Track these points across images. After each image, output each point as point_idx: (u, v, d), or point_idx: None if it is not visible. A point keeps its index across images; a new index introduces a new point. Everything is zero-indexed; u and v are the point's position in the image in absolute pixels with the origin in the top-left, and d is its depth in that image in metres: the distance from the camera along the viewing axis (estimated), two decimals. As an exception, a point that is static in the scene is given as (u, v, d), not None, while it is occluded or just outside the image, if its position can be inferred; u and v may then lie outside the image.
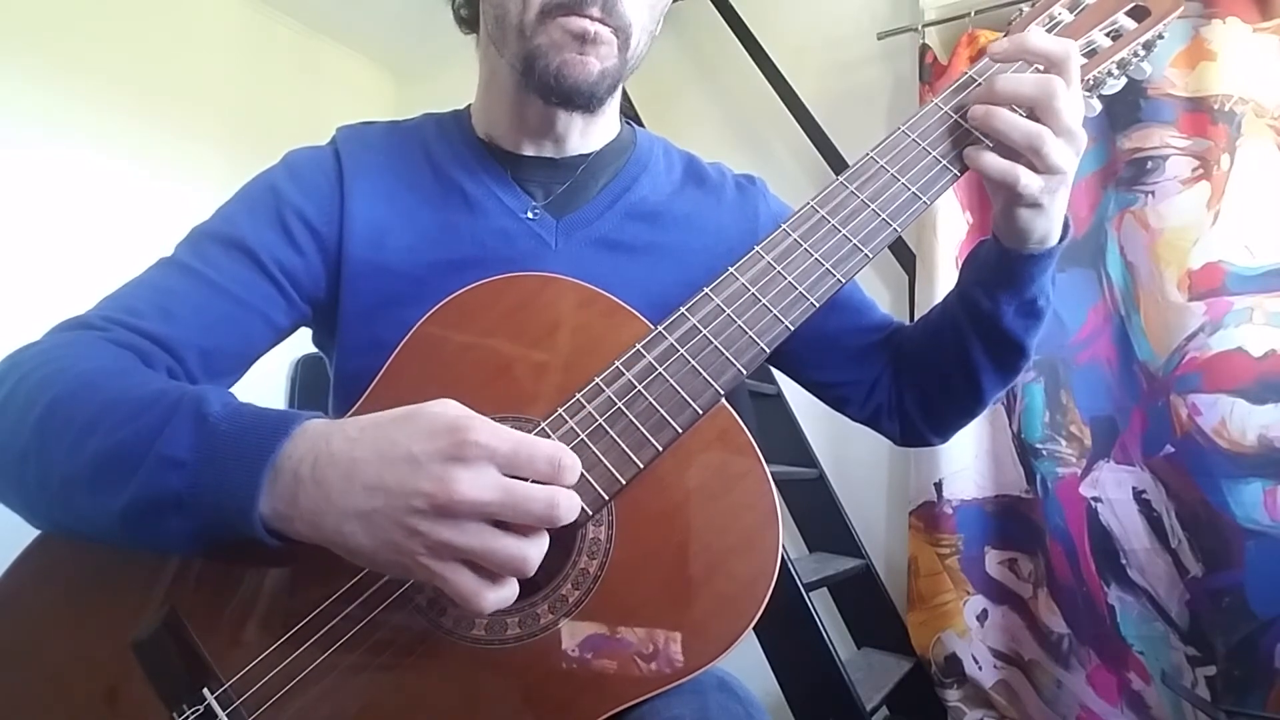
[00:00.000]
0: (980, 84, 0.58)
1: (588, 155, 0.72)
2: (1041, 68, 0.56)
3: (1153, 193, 1.50)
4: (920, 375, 0.72)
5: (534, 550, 0.43)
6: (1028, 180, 0.54)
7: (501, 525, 0.42)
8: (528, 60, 0.62)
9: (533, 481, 0.43)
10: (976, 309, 0.64)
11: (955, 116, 0.59)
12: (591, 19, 0.60)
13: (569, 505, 0.43)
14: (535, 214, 0.68)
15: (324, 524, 0.43)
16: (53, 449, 0.47)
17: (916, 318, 0.75)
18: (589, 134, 0.72)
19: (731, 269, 0.55)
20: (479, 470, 0.41)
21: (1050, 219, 0.58)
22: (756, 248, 0.56)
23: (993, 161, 0.55)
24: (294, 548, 0.45)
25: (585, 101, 0.64)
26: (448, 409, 0.44)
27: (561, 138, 0.70)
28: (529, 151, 0.71)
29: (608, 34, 0.61)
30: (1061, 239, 0.61)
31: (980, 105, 0.56)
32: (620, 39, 0.63)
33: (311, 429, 0.45)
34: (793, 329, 0.54)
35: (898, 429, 0.76)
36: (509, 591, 0.44)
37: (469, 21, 0.73)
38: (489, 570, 0.43)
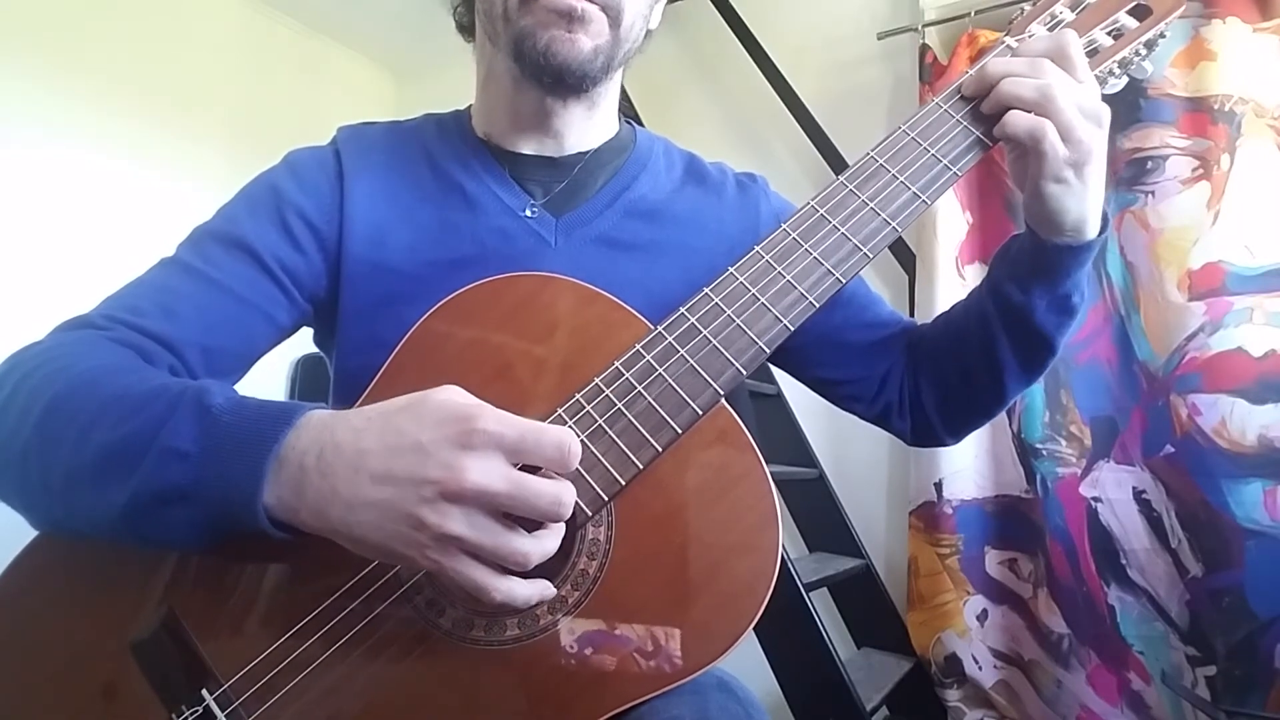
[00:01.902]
0: (972, 74, 0.59)
1: (586, 153, 0.72)
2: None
3: (1153, 193, 1.49)
4: (941, 372, 0.71)
5: (537, 546, 0.43)
6: (1053, 140, 0.54)
7: (506, 519, 0.43)
8: (517, 44, 0.62)
9: (541, 469, 0.43)
10: (1008, 302, 0.63)
11: (955, 116, 0.59)
12: None
13: (572, 502, 0.43)
14: (534, 212, 0.68)
15: (330, 514, 0.43)
16: (55, 446, 0.47)
17: (917, 318, 0.75)
18: (588, 131, 0.72)
19: (731, 269, 0.55)
20: (487, 458, 0.41)
21: (1082, 200, 0.58)
22: (756, 247, 0.56)
23: (1019, 119, 0.55)
24: (293, 547, 0.45)
25: (578, 81, 0.64)
26: (453, 396, 0.44)
27: (560, 134, 0.70)
28: (528, 150, 0.71)
29: (595, 10, 0.61)
30: (1101, 233, 0.61)
31: (986, 83, 0.57)
32: (610, 16, 0.62)
33: (315, 419, 0.45)
34: (792, 329, 0.54)
35: (909, 427, 0.74)
36: (524, 590, 0.44)
37: (469, 29, 0.74)
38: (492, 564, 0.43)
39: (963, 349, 0.68)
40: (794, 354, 0.74)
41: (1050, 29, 0.63)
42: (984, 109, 0.58)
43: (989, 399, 0.70)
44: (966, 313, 0.69)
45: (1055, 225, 0.59)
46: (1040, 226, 0.60)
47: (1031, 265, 0.62)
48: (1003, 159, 0.63)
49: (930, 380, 0.72)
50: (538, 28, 0.61)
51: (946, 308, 0.74)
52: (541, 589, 0.45)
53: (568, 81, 0.64)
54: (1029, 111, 0.55)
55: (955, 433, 0.74)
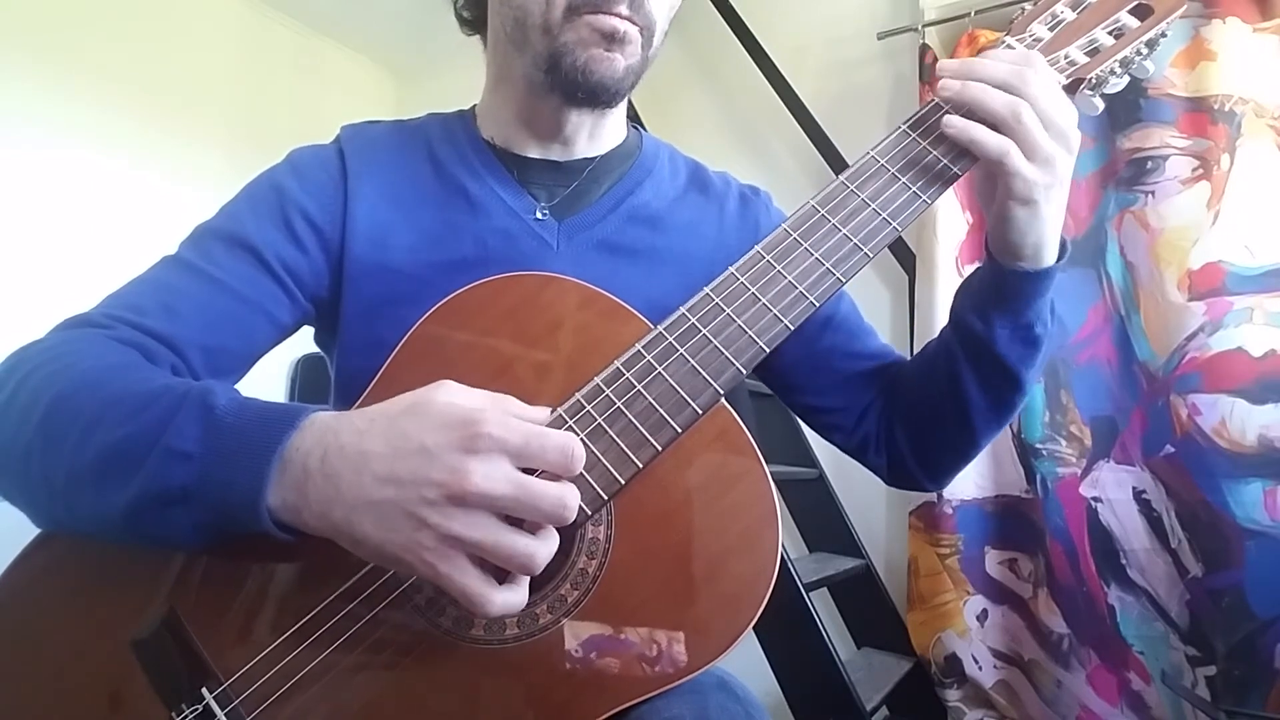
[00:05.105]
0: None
1: (593, 159, 0.72)
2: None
3: (1153, 193, 1.49)
4: (912, 408, 0.70)
5: (542, 548, 0.43)
6: (1017, 159, 0.53)
7: (509, 522, 0.43)
8: (553, 58, 0.62)
9: (544, 473, 0.43)
10: (970, 332, 0.62)
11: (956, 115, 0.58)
12: (620, 17, 0.60)
13: (576, 506, 0.43)
14: (544, 215, 0.68)
15: (332, 515, 0.43)
16: (57, 446, 0.47)
17: (917, 318, 0.74)
18: (597, 137, 0.72)
19: (731, 269, 0.55)
20: (492, 462, 0.42)
21: (1044, 223, 0.57)
22: (757, 247, 0.56)
23: (984, 133, 0.53)
24: (295, 546, 0.45)
25: (610, 98, 0.65)
26: (454, 397, 0.44)
27: (570, 140, 0.70)
28: (535, 154, 0.71)
29: (635, 33, 0.62)
30: (1059, 259, 0.60)
31: (954, 80, 0.55)
32: (645, 36, 0.63)
33: (319, 421, 0.45)
34: (792, 328, 0.53)
35: (885, 464, 0.73)
36: (517, 596, 0.44)
37: (471, 23, 0.73)
38: (494, 568, 0.43)
39: (930, 385, 0.67)
40: (782, 377, 0.74)
41: (1051, 29, 0.63)
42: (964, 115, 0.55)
43: (959, 439, 0.68)
44: (936, 348, 0.67)
45: (1015, 250, 0.58)
46: (1000, 252, 0.60)
47: (992, 294, 0.61)
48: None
49: (902, 418, 0.70)
50: (578, 46, 0.61)
51: (947, 307, 0.73)
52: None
53: (600, 98, 0.64)
54: (996, 128, 0.53)
55: (931, 474, 0.72)
